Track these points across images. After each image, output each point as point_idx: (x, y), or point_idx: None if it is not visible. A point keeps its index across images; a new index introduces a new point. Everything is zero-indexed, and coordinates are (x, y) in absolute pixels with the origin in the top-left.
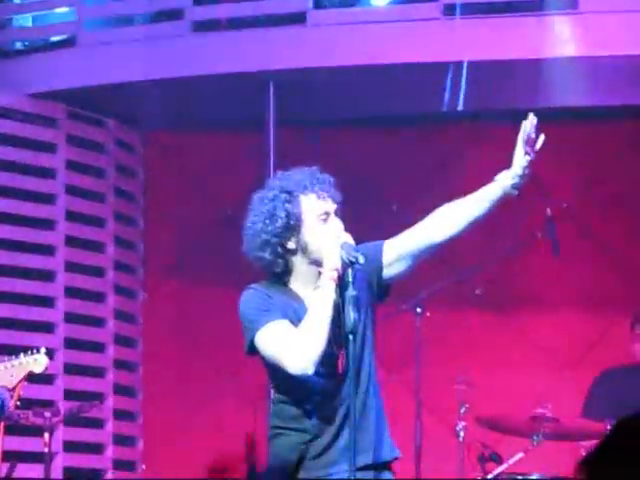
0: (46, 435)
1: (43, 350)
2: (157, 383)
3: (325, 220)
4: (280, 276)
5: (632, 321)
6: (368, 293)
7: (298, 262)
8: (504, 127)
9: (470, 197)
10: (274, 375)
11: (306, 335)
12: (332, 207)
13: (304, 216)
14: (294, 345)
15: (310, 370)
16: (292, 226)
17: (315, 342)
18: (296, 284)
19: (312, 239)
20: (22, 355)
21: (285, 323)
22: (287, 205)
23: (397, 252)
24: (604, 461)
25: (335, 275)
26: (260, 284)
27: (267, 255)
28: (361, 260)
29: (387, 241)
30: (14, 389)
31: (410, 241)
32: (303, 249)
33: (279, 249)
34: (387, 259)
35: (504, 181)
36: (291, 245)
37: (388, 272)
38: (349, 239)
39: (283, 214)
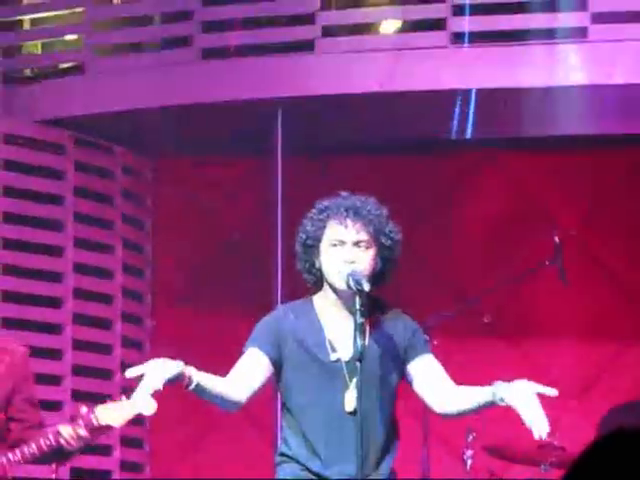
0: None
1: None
2: (163, 411)
3: (336, 246)
4: (316, 291)
5: None
6: (400, 354)
7: (325, 282)
8: (512, 154)
9: (473, 393)
10: (282, 401)
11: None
12: (353, 236)
13: (323, 239)
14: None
15: (235, 408)
16: (310, 247)
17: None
18: (320, 302)
19: (322, 262)
20: (124, 398)
21: (252, 355)
22: (310, 226)
23: (412, 377)
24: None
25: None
26: (293, 303)
27: (299, 269)
28: (366, 287)
29: (423, 360)
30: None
31: (421, 389)
32: (322, 270)
33: (307, 265)
34: (411, 367)
35: (498, 394)
36: (317, 264)
37: (407, 374)
38: (358, 269)
39: (304, 235)
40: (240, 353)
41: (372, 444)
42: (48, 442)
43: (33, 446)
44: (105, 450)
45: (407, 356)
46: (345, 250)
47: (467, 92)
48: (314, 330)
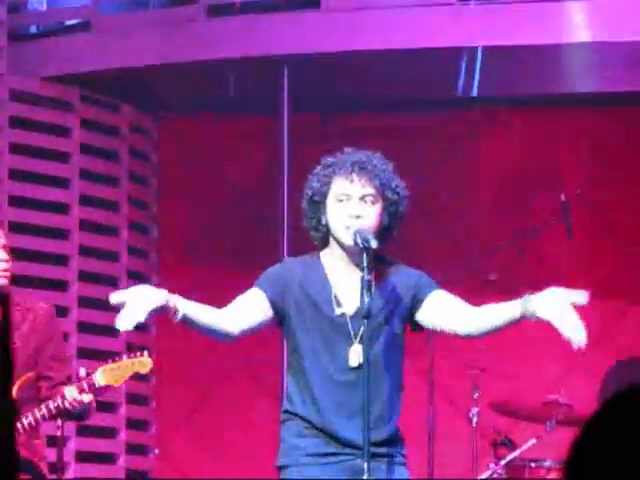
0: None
1: (146, 352)
2: (170, 367)
3: (342, 201)
4: (322, 248)
5: None
6: (405, 303)
7: (331, 237)
8: (518, 112)
9: (497, 309)
10: (287, 356)
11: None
12: (358, 190)
13: (329, 195)
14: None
15: (228, 340)
16: (316, 202)
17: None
18: (326, 258)
19: (328, 218)
20: (125, 357)
21: (252, 293)
22: (316, 182)
23: (432, 312)
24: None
25: None
26: (301, 257)
27: (306, 226)
28: (373, 245)
29: (436, 294)
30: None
31: (442, 318)
32: (329, 226)
33: (313, 222)
34: (426, 305)
35: (529, 308)
36: (324, 221)
37: (419, 314)
38: (364, 224)
39: (310, 191)
40: None
41: (376, 399)
42: (55, 404)
43: (43, 410)
44: (111, 407)
45: (417, 299)
46: (351, 205)
47: (473, 49)
48: (321, 284)
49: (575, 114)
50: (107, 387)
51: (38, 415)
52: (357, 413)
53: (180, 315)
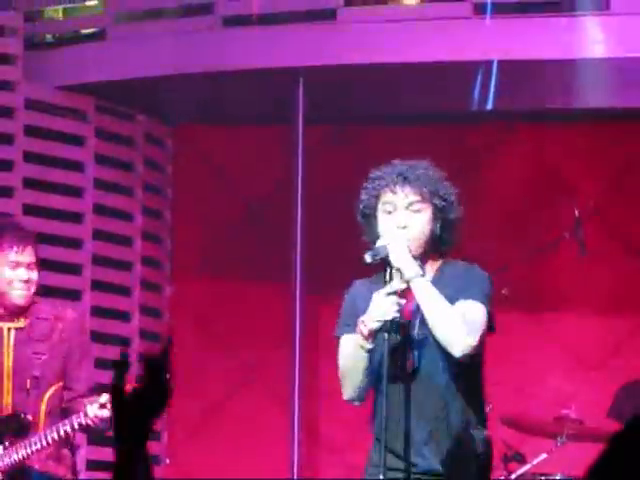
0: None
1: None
2: (181, 378)
3: (390, 213)
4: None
5: None
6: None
7: None
8: (533, 126)
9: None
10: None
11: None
12: (402, 200)
13: (378, 207)
14: (343, 376)
15: (356, 401)
16: (368, 216)
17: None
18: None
19: (379, 231)
20: None
21: (350, 342)
22: (364, 195)
23: None
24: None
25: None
26: (370, 278)
27: (366, 239)
28: (367, 259)
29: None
30: None
31: None
32: None
33: (370, 236)
34: None
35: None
36: (378, 234)
37: None
38: (413, 234)
39: (361, 205)
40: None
41: (431, 406)
42: (78, 421)
43: (67, 426)
44: None
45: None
46: (397, 215)
47: (489, 63)
48: None
49: (591, 129)
50: None
51: (62, 431)
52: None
53: None
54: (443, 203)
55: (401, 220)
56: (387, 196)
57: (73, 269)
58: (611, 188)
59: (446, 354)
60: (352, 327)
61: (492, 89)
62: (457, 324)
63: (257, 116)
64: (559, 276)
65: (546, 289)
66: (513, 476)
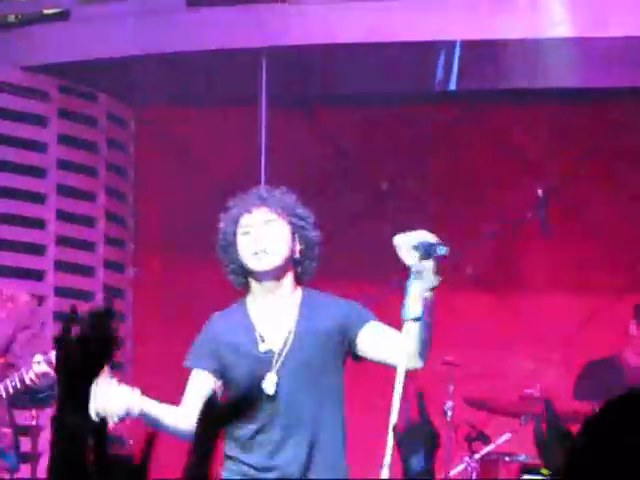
0: (34, 411)
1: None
2: (145, 359)
3: (248, 233)
4: (247, 292)
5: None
6: (334, 334)
7: (249, 277)
8: (495, 107)
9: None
10: None
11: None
12: (258, 218)
13: (237, 232)
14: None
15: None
16: (228, 245)
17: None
18: (250, 297)
19: (238, 253)
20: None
21: (195, 379)
22: (222, 225)
23: (367, 347)
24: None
25: None
26: (230, 307)
27: (226, 274)
28: (441, 252)
29: (370, 327)
30: None
31: (377, 355)
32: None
33: (230, 266)
34: (360, 339)
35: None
36: (239, 261)
37: (354, 349)
38: (272, 248)
39: (220, 235)
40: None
41: (294, 430)
42: (13, 383)
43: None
44: None
45: (349, 334)
46: (254, 233)
47: (452, 43)
48: (244, 329)
49: (554, 109)
50: None
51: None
52: (270, 444)
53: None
54: (301, 222)
55: (259, 235)
56: (244, 218)
57: (36, 249)
58: (575, 169)
59: (314, 382)
60: (202, 360)
61: (454, 69)
62: None
63: (220, 97)
64: (523, 256)
65: (510, 269)
66: (477, 456)
